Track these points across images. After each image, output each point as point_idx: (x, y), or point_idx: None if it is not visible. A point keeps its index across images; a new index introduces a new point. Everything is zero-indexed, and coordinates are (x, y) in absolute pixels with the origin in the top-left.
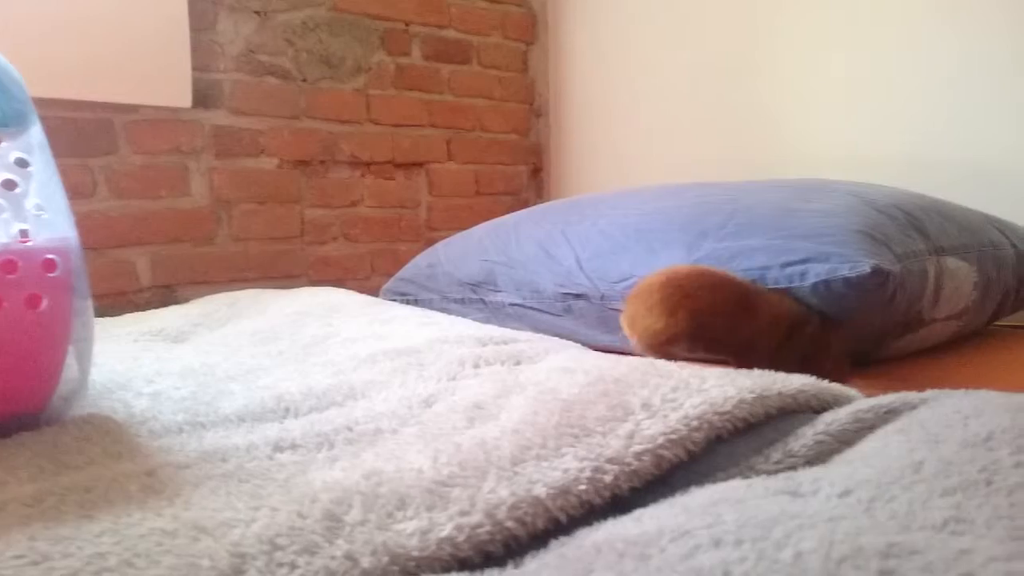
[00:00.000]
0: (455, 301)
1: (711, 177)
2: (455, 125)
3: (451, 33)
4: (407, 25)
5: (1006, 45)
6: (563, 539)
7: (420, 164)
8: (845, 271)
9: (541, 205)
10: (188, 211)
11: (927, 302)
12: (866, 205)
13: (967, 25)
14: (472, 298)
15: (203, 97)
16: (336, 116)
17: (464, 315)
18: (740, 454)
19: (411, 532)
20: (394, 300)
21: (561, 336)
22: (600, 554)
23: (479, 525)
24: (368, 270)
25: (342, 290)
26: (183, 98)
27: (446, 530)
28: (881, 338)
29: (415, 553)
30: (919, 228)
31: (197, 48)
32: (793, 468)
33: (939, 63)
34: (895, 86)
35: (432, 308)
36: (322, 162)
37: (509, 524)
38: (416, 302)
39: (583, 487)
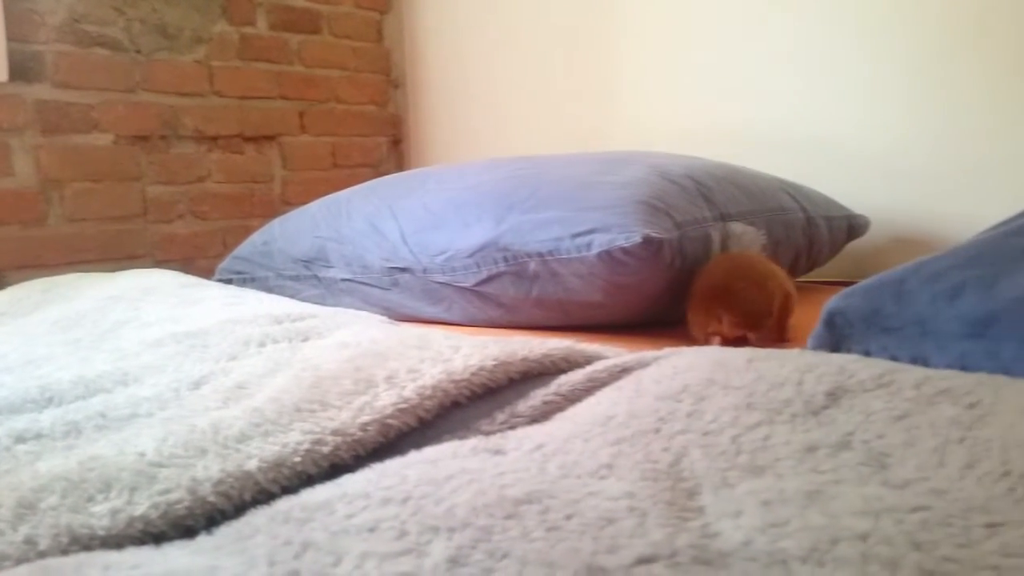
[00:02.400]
0: (290, 278)
1: (560, 147)
2: (308, 97)
3: (299, 2)
4: None
5: (837, 22)
6: (261, 508)
7: (272, 137)
8: (622, 241)
9: (375, 180)
10: (13, 191)
11: None
12: (659, 176)
13: (799, 6)
14: (306, 275)
15: (22, 70)
16: (176, 89)
17: (298, 292)
18: (471, 418)
19: (103, 513)
20: (230, 279)
21: (390, 309)
22: (272, 520)
23: (178, 501)
24: (220, 247)
25: (169, 272)
26: None
27: (140, 509)
28: (674, 300)
29: (101, 532)
30: (707, 196)
31: (11, 17)
32: (514, 427)
33: (771, 40)
34: (727, 61)
35: (267, 286)
36: (163, 137)
37: (211, 499)
38: (252, 280)
39: (298, 459)
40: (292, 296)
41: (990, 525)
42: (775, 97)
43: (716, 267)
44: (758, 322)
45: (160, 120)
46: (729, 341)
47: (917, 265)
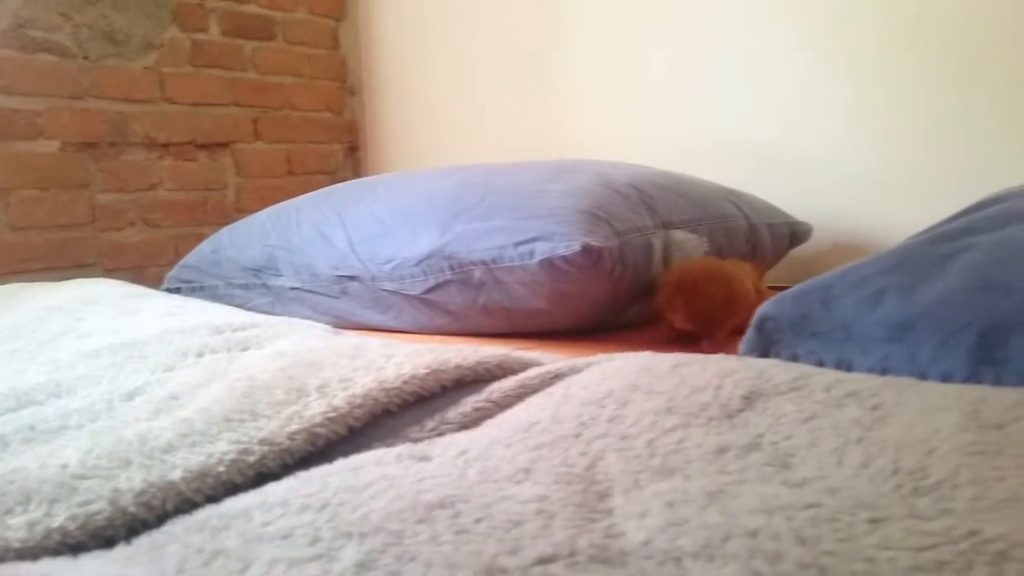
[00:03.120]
0: (239, 287)
1: (516, 154)
2: (262, 103)
3: (252, 8)
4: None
5: (779, 31)
6: (182, 518)
7: (225, 144)
8: (562, 249)
9: (326, 188)
10: None
11: (657, 271)
12: (602, 185)
13: (742, 13)
14: (255, 283)
15: None
16: (125, 95)
17: (248, 300)
18: (401, 425)
19: (20, 526)
20: (178, 287)
21: (339, 318)
22: (188, 529)
23: (98, 512)
24: (172, 255)
25: (113, 282)
26: None
27: (58, 520)
28: (618, 306)
29: (16, 545)
30: (649, 204)
31: None
32: (442, 434)
33: (714, 50)
34: (673, 71)
35: (217, 294)
36: (113, 144)
37: (132, 509)
38: (201, 289)
39: (223, 469)
40: (241, 305)
41: (873, 520)
42: (719, 106)
43: (698, 265)
44: (708, 327)
45: (109, 127)
46: (677, 333)
47: (844, 272)
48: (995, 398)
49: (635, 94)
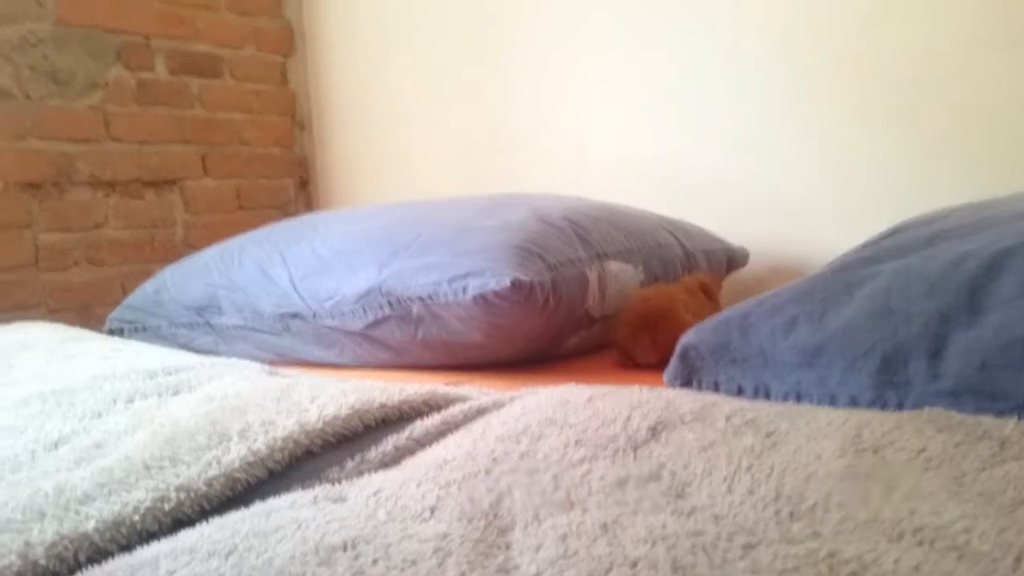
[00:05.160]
0: (183, 326)
1: (466, 187)
2: (210, 140)
3: (199, 47)
4: (147, 38)
5: (718, 61)
6: (93, 569)
7: (172, 181)
8: (492, 284)
9: (268, 225)
10: None
11: (593, 302)
12: (537, 219)
13: (679, 40)
14: (198, 322)
15: None
16: (70, 135)
17: (192, 340)
18: (323, 466)
19: None
20: (121, 328)
21: (283, 355)
22: None
23: (7, 567)
24: (119, 294)
25: (51, 326)
26: None
27: None
28: (556, 337)
29: None
30: (583, 237)
31: None
32: (362, 474)
33: (657, 80)
34: (619, 101)
35: (160, 334)
36: (56, 184)
37: (43, 562)
38: (144, 329)
39: (138, 518)
40: (185, 344)
41: (746, 546)
42: (655, 133)
43: (656, 302)
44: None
45: (53, 167)
46: (635, 363)
47: (760, 300)
48: (877, 422)
49: (573, 126)
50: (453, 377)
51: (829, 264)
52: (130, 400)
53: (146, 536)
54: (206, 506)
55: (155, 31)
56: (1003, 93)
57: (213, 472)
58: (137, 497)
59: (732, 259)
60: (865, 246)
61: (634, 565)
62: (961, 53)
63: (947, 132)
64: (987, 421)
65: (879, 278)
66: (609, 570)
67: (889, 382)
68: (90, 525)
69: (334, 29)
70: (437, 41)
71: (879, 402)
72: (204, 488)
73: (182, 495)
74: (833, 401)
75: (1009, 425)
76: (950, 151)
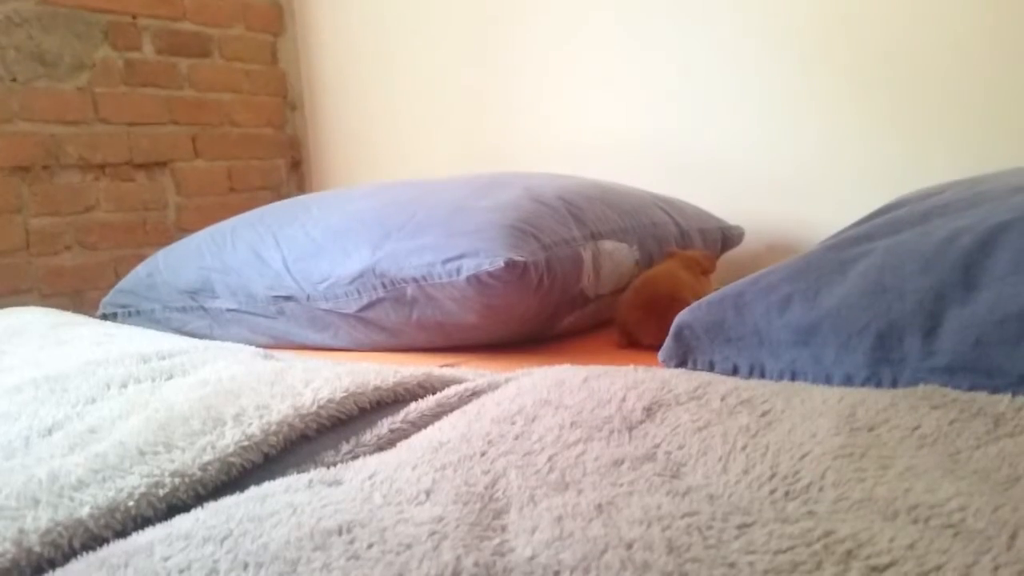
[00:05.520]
0: (176, 310)
1: (459, 166)
2: (200, 121)
3: (187, 26)
4: (134, 18)
5: (715, 40)
6: (88, 555)
7: (163, 163)
8: (486, 265)
9: (261, 208)
10: None
11: (588, 282)
12: (530, 199)
13: (674, 21)
14: (192, 306)
15: None
16: (58, 117)
17: (186, 323)
18: (318, 450)
19: None
20: (114, 313)
21: (277, 338)
22: (89, 567)
23: (2, 554)
24: (112, 278)
25: (42, 311)
26: None
27: None
28: (551, 317)
29: None
30: (577, 216)
31: None
32: (357, 457)
33: (653, 59)
34: (615, 79)
35: (154, 318)
36: (45, 167)
37: (38, 549)
38: (137, 314)
39: (132, 503)
40: (179, 328)
41: (741, 526)
42: (652, 113)
43: (662, 287)
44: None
45: (41, 149)
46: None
47: (755, 278)
48: (871, 400)
49: (569, 103)
50: (448, 359)
51: (823, 242)
52: (123, 385)
53: (141, 522)
54: (201, 491)
55: (141, 10)
56: (996, 68)
57: (208, 457)
58: (131, 483)
59: (727, 237)
60: (860, 223)
61: (629, 546)
62: (954, 29)
63: (942, 108)
64: (982, 398)
65: (873, 255)
66: (604, 551)
67: (884, 359)
68: (84, 511)
69: (324, 7)
70: (430, 17)
71: (874, 380)
72: (199, 473)
73: (176, 480)
74: (828, 379)
75: (1004, 402)
76: (945, 127)
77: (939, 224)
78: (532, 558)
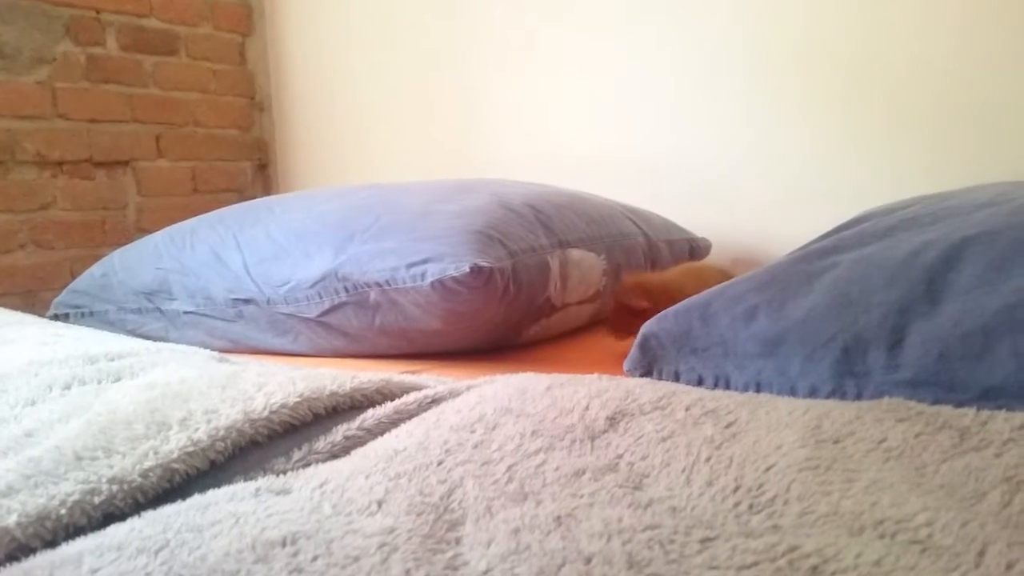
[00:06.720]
0: (131, 311)
1: (427, 170)
2: (165, 120)
3: (153, 23)
4: (98, 13)
5: (680, 54)
6: (12, 567)
7: (125, 162)
8: (451, 270)
9: (222, 208)
10: None
11: (554, 291)
12: (499, 205)
13: (640, 32)
14: (148, 307)
15: None
16: (14, 111)
17: (141, 325)
18: (268, 457)
19: None
20: (67, 314)
21: (236, 342)
22: None
23: None
24: (68, 278)
25: None
26: None
27: None
28: (516, 325)
29: None
30: (545, 224)
31: None
32: (309, 465)
33: (620, 71)
34: (582, 89)
35: (108, 320)
36: (0, 162)
37: None
38: (91, 315)
39: (64, 511)
40: (134, 330)
41: (704, 540)
42: (618, 124)
43: (690, 283)
44: None
45: None
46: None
47: (722, 289)
48: (837, 413)
49: (536, 111)
50: (411, 366)
51: (790, 253)
52: (67, 387)
53: (74, 531)
54: (140, 499)
55: (106, 5)
56: (963, 85)
57: (149, 463)
58: (65, 489)
59: (695, 249)
60: (827, 235)
61: (588, 560)
62: (922, 46)
63: (908, 125)
64: (947, 411)
65: (840, 268)
66: (562, 566)
67: (849, 372)
68: (11, 519)
69: (294, 8)
70: (400, 21)
71: (839, 392)
72: (139, 480)
73: (114, 487)
74: (793, 391)
75: (969, 415)
76: (911, 144)
77: (905, 238)
78: (486, 572)
